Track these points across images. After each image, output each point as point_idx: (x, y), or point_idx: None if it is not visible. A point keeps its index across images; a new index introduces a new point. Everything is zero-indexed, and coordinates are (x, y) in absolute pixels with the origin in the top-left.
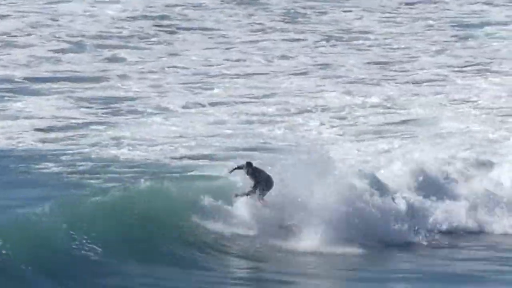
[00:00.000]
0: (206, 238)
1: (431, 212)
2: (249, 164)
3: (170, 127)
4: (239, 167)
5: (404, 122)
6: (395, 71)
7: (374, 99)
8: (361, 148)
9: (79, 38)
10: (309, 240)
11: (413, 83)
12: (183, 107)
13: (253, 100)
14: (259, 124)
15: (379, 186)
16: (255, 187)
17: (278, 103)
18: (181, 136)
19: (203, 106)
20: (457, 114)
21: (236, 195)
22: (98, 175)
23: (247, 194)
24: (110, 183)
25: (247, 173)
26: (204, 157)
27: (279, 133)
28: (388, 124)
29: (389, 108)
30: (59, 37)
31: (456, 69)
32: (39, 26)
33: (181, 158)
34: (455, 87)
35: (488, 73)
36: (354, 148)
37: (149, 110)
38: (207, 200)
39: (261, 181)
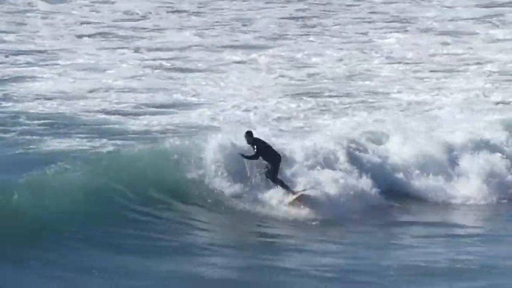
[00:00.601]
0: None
1: None
2: (249, 133)
3: (83, 81)
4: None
5: (328, 80)
6: (312, 26)
7: (290, 56)
8: (285, 107)
9: None
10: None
11: (332, 40)
12: (97, 61)
13: (166, 54)
14: (174, 80)
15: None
16: (255, 156)
17: (192, 59)
18: (94, 90)
19: (118, 60)
20: (378, 71)
21: (242, 155)
22: (7, 128)
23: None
24: (21, 136)
25: (248, 142)
26: (116, 112)
27: (194, 88)
28: (309, 83)
29: (309, 66)
30: None
31: (377, 25)
32: None
33: (93, 112)
34: (374, 44)
35: (410, 29)
36: (279, 106)
37: (62, 63)
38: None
39: (262, 151)
